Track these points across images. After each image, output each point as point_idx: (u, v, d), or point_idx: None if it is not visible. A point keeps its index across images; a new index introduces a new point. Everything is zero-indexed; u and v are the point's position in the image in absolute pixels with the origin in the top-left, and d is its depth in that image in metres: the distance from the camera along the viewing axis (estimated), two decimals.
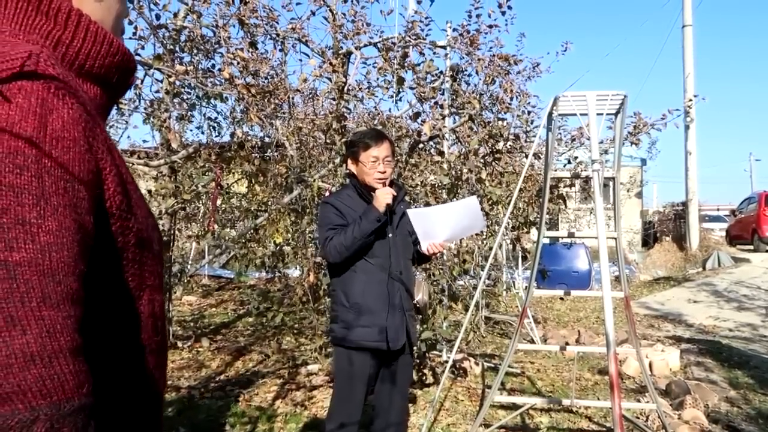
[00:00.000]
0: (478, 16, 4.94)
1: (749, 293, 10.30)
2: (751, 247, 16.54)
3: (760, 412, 4.30)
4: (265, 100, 4.14)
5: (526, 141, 5.54)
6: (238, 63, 3.88)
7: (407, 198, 5.04)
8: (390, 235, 2.64)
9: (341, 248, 2.50)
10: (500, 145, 5.05)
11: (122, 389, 0.75)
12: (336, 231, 2.54)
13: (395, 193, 2.60)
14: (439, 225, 2.69)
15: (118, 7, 0.86)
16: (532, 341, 6.44)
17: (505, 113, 5.07)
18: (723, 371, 5.50)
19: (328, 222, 2.59)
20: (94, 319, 0.70)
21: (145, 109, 5.27)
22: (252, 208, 6.53)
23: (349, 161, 2.72)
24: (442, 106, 4.76)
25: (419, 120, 4.72)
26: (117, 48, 0.80)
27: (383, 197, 2.53)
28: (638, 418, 4.11)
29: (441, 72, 4.87)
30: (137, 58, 4.47)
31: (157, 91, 5.12)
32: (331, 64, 4.13)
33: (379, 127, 4.62)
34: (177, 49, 5.16)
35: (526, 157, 3.99)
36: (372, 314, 2.54)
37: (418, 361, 4.69)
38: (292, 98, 4.54)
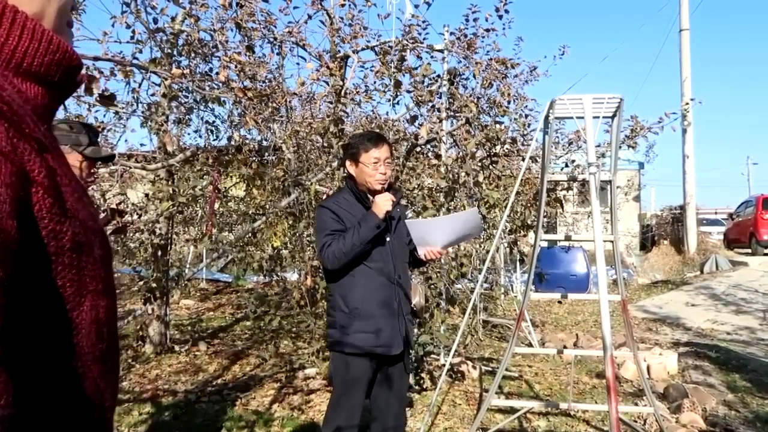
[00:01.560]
0: (475, 20, 4.96)
1: (747, 296, 10.30)
2: (749, 251, 16.55)
3: (758, 416, 4.30)
4: (263, 104, 4.14)
5: (523, 144, 5.55)
6: (236, 66, 3.88)
7: (404, 201, 5.05)
8: (388, 239, 2.63)
9: (340, 255, 2.48)
10: (497, 149, 5.05)
11: (59, 399, 0.72)
12: (334, 237, 2.51)
13: (395, 200, 2.58)
14: (437, 233, 2.68)
15: None
16: (530, 345, 6.43)
17: (502, 117, 5.08)
18: (721, 375, 5.49)
19: (326, 227, 2.56)
20: (26, 327, 0.68)
21: (143, 112, 5.27)
22: (250, 212, 6.53)
23: (348, 163, 2.69)
24: (439, 110, 4.77)
25: (416, 123, 4.72)
26: (57, 45, 0.77)
27: (383, 204, 2.51)
28: (636, 421, 4.10)
29: (438, 75, 4.88)
30: (134, 61, 4.48)
31: (153, 95, 5.12)
32: (328, 67, 4.13)
33: (377, 130, 4.62)
34: (175, 52, 5.17)
35: (523, 160, 4.00)
36: (371, 319, 2.53)
37: (416, 364, 4.69)
38: (290, 102, 4.54)
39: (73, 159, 2.21)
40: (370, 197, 2.59)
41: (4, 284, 0.62)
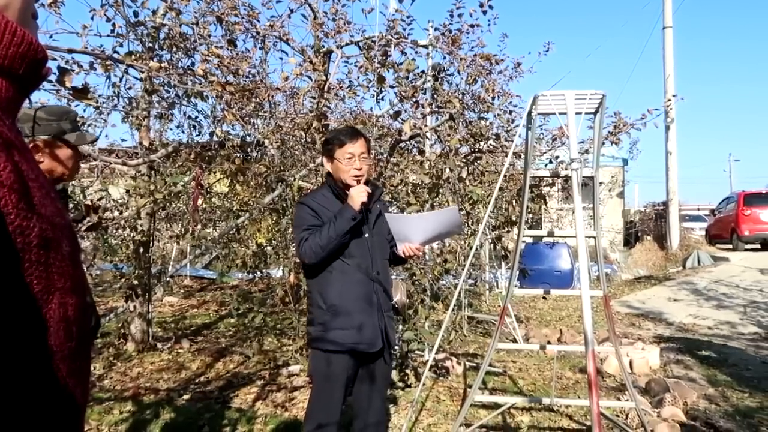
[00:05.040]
0: (459, 15, 4.93)
1: (728, 292, 10.43)
2: (730, 246, 16.77)
3: (738, 409, 4.35)
4: (245, 99, 4.10)
5: (506, 140, 5.55)
6: (217, 61, 3.83)
7: (387, 197, 5.03)
8: (367, 235, 2.61)
9: (317, 248, 2.47)
10: (482, 145, 5.05)
11: (28, 395, 0.72)
12: (311, 231, 2.50)
13: (370, 191, 2.57)
14: (415, 229, 2.67)
15: None
16: (514, 340, 6.45)
17: (486, 113, 5.08)
18: (702, 369, 5.56)
19: (304, 223, 2.56)
20: None
21: (123, 107, 5.20)
22: (233, 208, 6.47)
23: (325, 160, 2.69)
24: (423, 106, 4.76)
25: (400, 119, 4.71)
26: (21, 37, 0.76)
27: (358, 196, 2.50)
28: (618, 416, 4.13)
29: (423, 71, 4.87)
30: (115, 55, 4.41)
31: (129, 88, 5.05)
32: (311, 62, 4.10)
33: (360, 126, 4.59)
34: (156, 46, 5.10)
35: (507, 156, 4.00)
36: (349, 315, 2.51)
37: (400, 360, 4.68)
38: (273, 97, 4.50)
39: (63, 154, 2.14)
40: (348, 193, 2.57)
41: None
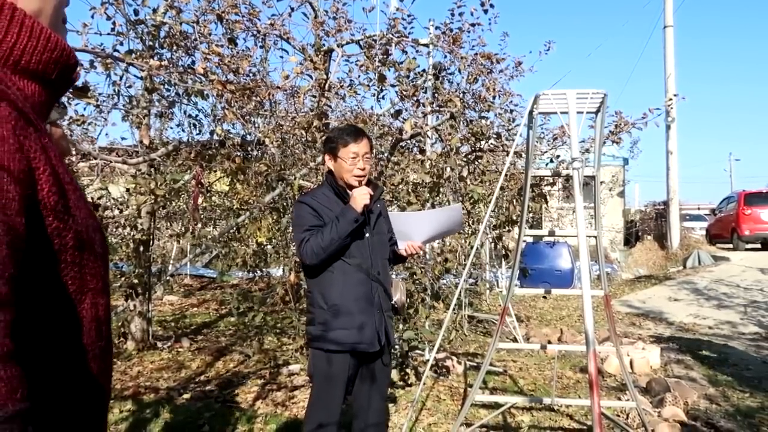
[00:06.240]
0: (460, 14, 4.93)
1: (728, 291, 10.43)
2: (731, 246, 16.76)
3: (739, 409, 4.34)
4: (246, 98, 4.09)
5: (507, 140, 5.55)
6: (219, 60, 3.82)
7: (388, 196, 5.03)
8: (367, 235, 2.59)
9: (318, 250, 2.44)
10: (482, 144, 5.04)
11: (63, 394, 0.73)
12: (312, 232, 2.47)
13: (372, 193, 2.55)
14: (418, 227, 2.67)
15: None
16: (515, 340, 6.45)
17: (487, 112, 5.07)
18: (702, 369, 5.55)
19: (304, 223, 2.52)
20: (32, 323, 0.68)
21: (123, 106, 5.19)
22: (234, 207, 6.47)
23: (327, 158, 2.65)
24: (423, 105, 4.75)
25: (401, 118, 4.70)
26: (55, 43, 0.77)
27: (361, 198, 2.47)
28: (618, 416, 4.12)
29: (423, 70, 4.86)
30: (115, 54, 4.40)
31: (130, 86, 5.04)
32: (312, 61, 4.09)
33: (360, 125, 4.59)
34: (156, 45, 5.09)
35: (508, 155, 3.99)
36: (350, 315, 2.50)
37: (401, 360, 4.68)
38: (273, 96, 4.49)
39: (58, 133, 2.16)
40: (350, 192, 2.56)
41: (15, 281, 0.63)
